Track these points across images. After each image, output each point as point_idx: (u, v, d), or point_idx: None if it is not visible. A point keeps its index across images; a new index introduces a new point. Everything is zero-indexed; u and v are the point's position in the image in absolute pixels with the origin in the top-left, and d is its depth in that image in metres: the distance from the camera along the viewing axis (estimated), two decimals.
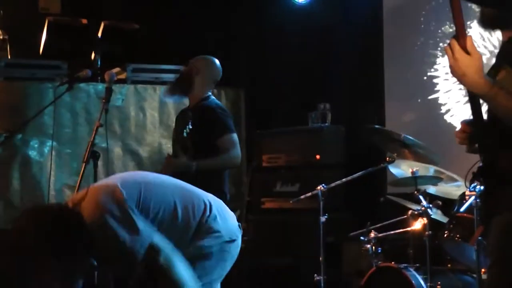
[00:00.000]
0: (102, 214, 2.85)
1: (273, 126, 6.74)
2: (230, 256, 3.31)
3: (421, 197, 4.68)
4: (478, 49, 2.52)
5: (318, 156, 6.19)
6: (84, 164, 3.85)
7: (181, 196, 3.21)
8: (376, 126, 5.28)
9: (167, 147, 6.09)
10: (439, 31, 6.15)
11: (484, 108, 2.71)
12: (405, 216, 4.89)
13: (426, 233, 4.53)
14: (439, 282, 4.51)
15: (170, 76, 6.27)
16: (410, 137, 4.74)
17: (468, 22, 5.06)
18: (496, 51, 3.03)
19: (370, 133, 5.16)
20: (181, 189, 3.30)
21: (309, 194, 5.04)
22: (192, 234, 3.15)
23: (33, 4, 6.74)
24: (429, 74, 6.25)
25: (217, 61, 4.92)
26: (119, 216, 2.87)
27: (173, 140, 4.99)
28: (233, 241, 3.30)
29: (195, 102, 4.81)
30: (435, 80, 6.22)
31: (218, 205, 3.33)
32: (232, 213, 3.42)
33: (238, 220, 3.44)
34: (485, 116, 2.71)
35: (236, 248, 3.34)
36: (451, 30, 5.94)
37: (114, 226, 2.84)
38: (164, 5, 6.96)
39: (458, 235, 4.30)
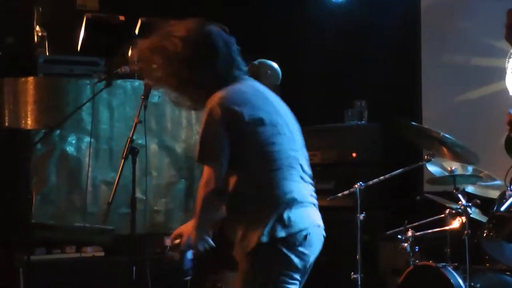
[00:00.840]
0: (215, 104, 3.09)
1: (309, 123, 6.68)
2: (283, 265, 2.90)
3: (460, 195, 4.63)
4: None
5: (354, 154, 6.16)
6: (123, 160, 3.86)
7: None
8: (413, 123, 5.20)
9: None
10: (482, 27, 6.06)
11: None
12: (443, 215, 4.85)
13: (465, 232, 4.48)
14: (478, 282, 4.47)
15: None
16: (449, 136, 4.68)
17: None
18: None
19: (407, 130, 5.08)
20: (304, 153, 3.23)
21: (347, 192, 5.02)
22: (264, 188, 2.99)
23: (71, 1, 6.80)
24: (469, 69, 6.18)
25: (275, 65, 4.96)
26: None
27: None
28: (293, 245, 2.89)
29: None
30: (474, 77, 6.15)
31: (308, 201, 3.11)
32: (312, 222, 3.09)
33: None
34: None
35: (294, 259, 2.92)
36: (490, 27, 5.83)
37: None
38: (199, 2, 6.96)
39: (498, 234, 4.24)
